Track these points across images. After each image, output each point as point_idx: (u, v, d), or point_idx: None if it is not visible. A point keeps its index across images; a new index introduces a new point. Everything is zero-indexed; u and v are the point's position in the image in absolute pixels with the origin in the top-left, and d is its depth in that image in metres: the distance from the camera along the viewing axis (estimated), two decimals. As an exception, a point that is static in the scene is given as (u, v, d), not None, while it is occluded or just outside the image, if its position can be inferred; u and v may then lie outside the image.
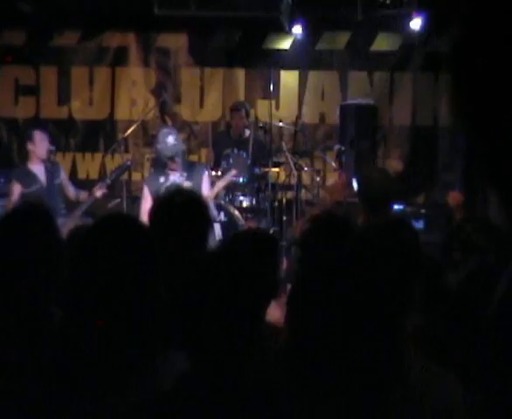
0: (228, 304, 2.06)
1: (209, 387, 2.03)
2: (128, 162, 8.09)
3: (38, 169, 8.06)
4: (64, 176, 8.23)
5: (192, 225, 3.31)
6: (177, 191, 3.71)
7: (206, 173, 7.45)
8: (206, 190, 7.18)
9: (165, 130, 7.50)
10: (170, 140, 7.07)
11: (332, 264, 2.17)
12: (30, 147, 8.11)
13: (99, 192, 7.58)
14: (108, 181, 7.68)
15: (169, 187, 7.15)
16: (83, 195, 7.84)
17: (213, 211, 7.38)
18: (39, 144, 8.03)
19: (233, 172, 8.26)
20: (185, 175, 7.15)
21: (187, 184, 7.02)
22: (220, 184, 7.95)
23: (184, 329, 2.10)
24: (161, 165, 7.35)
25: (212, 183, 7.77)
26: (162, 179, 7.13)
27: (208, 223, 3.47)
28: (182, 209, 3.35)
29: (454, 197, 6.75)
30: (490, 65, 1.02)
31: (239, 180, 8.62)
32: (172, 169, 7.12)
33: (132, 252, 2.22)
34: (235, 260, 2.37)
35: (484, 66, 1.03)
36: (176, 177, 7.09)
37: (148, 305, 2.14)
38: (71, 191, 8.15)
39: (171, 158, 7.03)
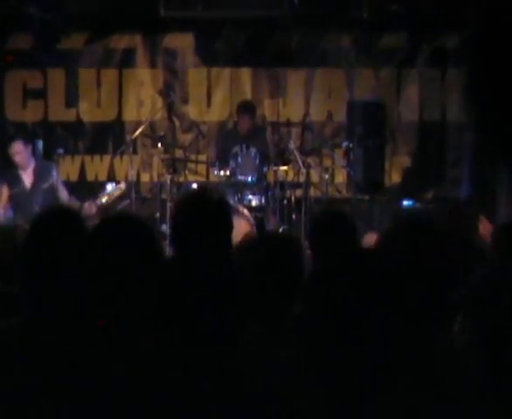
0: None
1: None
2: (122, 185, 7.86)
3: (24, 171, 8.02)
4: (55, 179, 8.10)
5: (215, 225, 3.30)
6: (199, 192, 3.71)
7: None
8: None
9: None
10: None
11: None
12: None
13: (92, 208, 7.38)
14: (99, 201, 7.51)
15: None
16: (74, 204, 7.69)
17: None
18: (13, 157, 8.00)
19: None
20: None
21: None
22: None
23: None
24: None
25: None
26: None
27: (230, 223, 3.44)
28: (204, 208, 3.33)
29: (485, 227, 6.59)
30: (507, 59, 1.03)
31: (248, 179, 8.63)
32: None
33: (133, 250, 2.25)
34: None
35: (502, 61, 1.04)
36: None
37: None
38: (63, 196, 8.07)
39: None
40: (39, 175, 8.00)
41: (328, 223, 3.90)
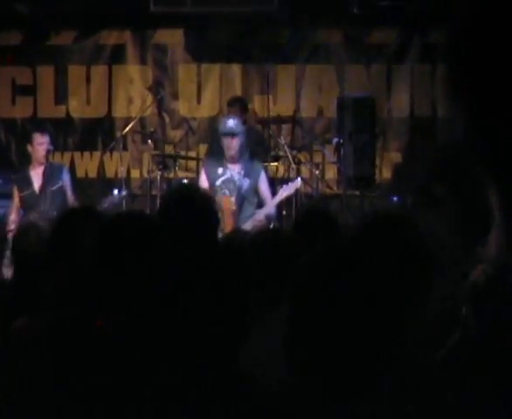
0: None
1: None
2: (123, 193, 8.03)
3: (34, 173, 8.08)
4: (66, 181, 8.20)
5: (200, 220, 3.25)
6: (183, 188, 3.69)
7: (263, 173, 7.73)
8: (266, 191, 7.60)
9: (227, 117, 7.87)
10: (230, 122, 7.33)
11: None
12: (29, 149, 8.16)
13: None
14: (100, 207, 7.59)
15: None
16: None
17: (272, 215, 7.73)
18: (37, 147, 8.04)
19: (299, 182, 8.14)
20: (243, 172, 7.45)
21: (245, 182, 7.42)
22: (284, 193, 7.90)
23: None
24: (219, 153, 7.59)
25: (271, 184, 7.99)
26: (220, 170, 7.33)
27: (215, 217, 3.40)
28: (190, 204, 3.28)
29: None
30: (488, 56, 1.02)
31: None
32: (232, 163, 7.41)
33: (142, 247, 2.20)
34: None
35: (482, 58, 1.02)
36: (234, 173, 7.28)
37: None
38: (70, 198, 8.12)
39: (229, 134, 7.32)
40: (49, 177, 8.04)
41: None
